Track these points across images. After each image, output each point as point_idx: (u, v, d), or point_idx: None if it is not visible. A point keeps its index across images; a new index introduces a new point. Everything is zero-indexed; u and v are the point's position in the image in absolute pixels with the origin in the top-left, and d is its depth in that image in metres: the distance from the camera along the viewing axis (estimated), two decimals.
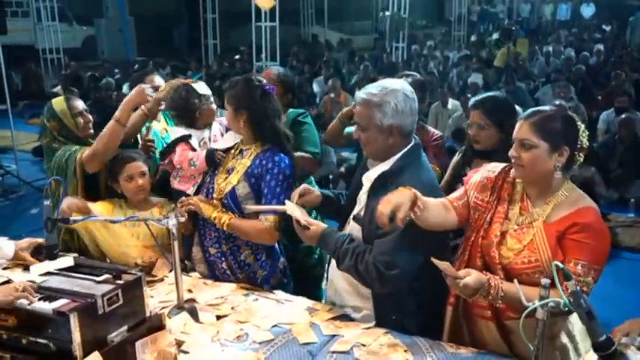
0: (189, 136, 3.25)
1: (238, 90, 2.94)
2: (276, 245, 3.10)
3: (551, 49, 15.45)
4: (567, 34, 20.03)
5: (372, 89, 2.53)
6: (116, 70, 14.67)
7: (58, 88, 11.74)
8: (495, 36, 20.09)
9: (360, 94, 2.56)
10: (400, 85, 2.55)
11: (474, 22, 25.09)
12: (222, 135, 3.35)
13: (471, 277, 2.13)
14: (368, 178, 2.62)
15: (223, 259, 3.01)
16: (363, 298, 2.65)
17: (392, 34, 15.22)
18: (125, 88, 11.99)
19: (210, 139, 3.34)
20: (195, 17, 17.49)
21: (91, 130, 3.45)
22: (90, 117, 3.44)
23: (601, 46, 15.94)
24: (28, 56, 15.40)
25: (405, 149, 2.57)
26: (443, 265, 2.14)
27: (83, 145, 3.33)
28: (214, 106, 3.38)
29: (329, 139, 3.86)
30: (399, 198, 2.21)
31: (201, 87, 3.32)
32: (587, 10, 24.95)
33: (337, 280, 2.74)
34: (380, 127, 2.50)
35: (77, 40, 19.98)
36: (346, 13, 26.45)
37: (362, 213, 2.62)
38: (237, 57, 14.87)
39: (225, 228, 2.89)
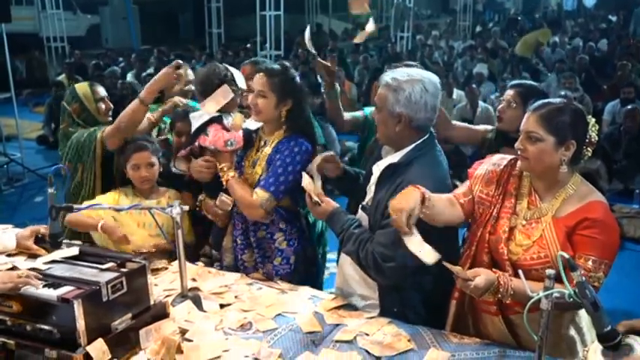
0: (221, 116, 3.14)
1: (283, 78, 2.87)
2: (307, 232, 3.12)
3: (557, 39, 15.37)
4: (573, 25, 19.92)
5: (396, 74, 2.53)
6: (120, 59, 14.65)
7: (62, 77, 11.72)
8: (498, 26, 19.99)
9: (384, 77, 2.56)
10: (425, 77, 2.52)
11: (480, 12, 24.97)
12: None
13: (480, 277, 2.12)
14: (378, 168, 2.62)
15: (245, 250, 3.02)
16: (370, 287, 2.67)
17: (397, 24, 15.17)
18: (129, 76, 11.98)
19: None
20: (200, 6, 17.43)
21: (110, 118, 3.52)
22: (110, 104, 3.55)
23: (606, 37, 15.86)
24: (32, 44, 15.40)
25: (418, 142, 2.55)
26: (455, 269, 2.13)
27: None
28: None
29: (331, 118, 3.76)
30: (410, 202, 2.18)
31: (240, 78, 3.23)
32: (590, 0, 24.81)
33: (346, 268, 2.75)
34: (391, 112, 2.50)
35: (81, 29, 19.92)
36: None
37: (369, 203, 2.62)
38: (247, 46, 14.78)
39: (224, 184, 2.92)
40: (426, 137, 2.57)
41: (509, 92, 3.17)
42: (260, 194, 2.81)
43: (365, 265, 2.53)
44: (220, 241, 3.17)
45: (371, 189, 2.66)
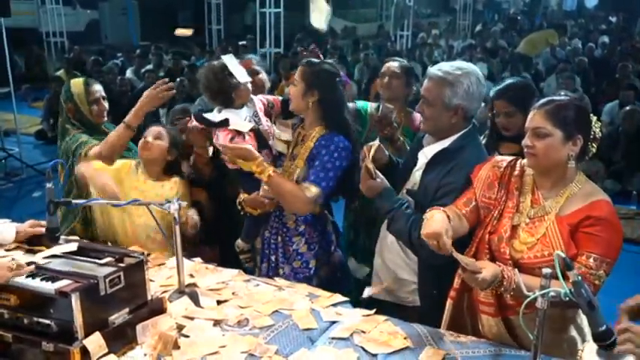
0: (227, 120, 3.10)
1: (317, 70, 2.94)
2: (332, 237, 3.13)
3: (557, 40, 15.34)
4: (573, 25, 19.91)
5: (447, 68, 2.59)
6: (119, 55, 14.63)
7: (61, 72, 11.70)
8: (500, 25, 19.98)
9: (434, 71, 2.61)
10: (475, 68, 2.63)
11: (480, 12, 24.96)
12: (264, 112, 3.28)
13: (487, 270, 2.13)
14: (424, 155, 2.70)
15: (274, 253, 3.07)
16: (412, 271, 2.79)
17: (397, 23, 15.17)
18: (129, 72, 11.96)
19: (252, 116, 3.21)
20: (199, 2, 17.41)
21: (105, 118, 3.47)
22: (106, 105, 3.45)
23: (606, 38, 15.85)
24: (32, 39, 15.37)
25: (465, 130, 2.65)
26: (465, 260, 2.14)
27: (95, 131, 3.39)
28: (250, 86, 3.26)
29: None
30: (442, 224, 2.21)
31: (239, 71, 3.18)
32: (591, 0, 24.80)
33: (389, 254, 2.87)
34: (447, 105, 2.57)
35: (81, 24, 19.82)
36: (351, 0, 26.33)
37: (416, 188, 2.71)
38: (243, 42, 14.76)
39: (265, 180, 2.86)
40: (471, 126, 2.68)
41: (499, 103, 3.08)
42: (313, 190, 2.82)
43: (415, 244, 2.57)
44: (256, 231, 3.19)
45: (415, 175, 2.74)
